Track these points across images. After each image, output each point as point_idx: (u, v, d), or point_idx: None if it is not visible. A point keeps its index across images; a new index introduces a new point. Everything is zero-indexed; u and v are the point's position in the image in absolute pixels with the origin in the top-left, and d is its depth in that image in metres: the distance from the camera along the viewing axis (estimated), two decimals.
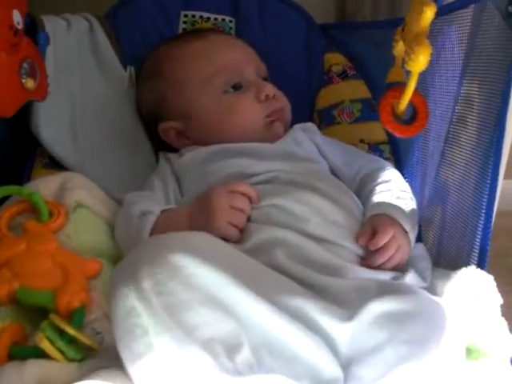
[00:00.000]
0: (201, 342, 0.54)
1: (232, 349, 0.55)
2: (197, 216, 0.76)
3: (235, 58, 0.93)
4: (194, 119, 0.90)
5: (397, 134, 0.77)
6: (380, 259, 0.73)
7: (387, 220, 0.76)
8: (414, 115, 0.75)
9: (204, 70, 0.91)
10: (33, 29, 0.93)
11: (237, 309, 0.58)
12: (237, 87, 0.90)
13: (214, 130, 0.89)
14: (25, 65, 0.80)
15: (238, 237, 0.75)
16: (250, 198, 0.77)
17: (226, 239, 0.73)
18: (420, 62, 0.65)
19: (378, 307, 0.59)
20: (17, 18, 0.77)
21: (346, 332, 0.60)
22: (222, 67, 0.91)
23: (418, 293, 0.63)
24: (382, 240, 0.73)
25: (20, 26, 0.78)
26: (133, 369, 0.54)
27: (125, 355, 0.55)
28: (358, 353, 0.58)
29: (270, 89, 0.90)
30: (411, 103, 0.74)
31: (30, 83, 0.81)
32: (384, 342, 0.57)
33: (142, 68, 0.99)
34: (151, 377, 0.53)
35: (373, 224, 0.76)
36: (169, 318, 0.54)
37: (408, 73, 0.70)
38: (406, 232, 0.77)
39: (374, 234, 0.74)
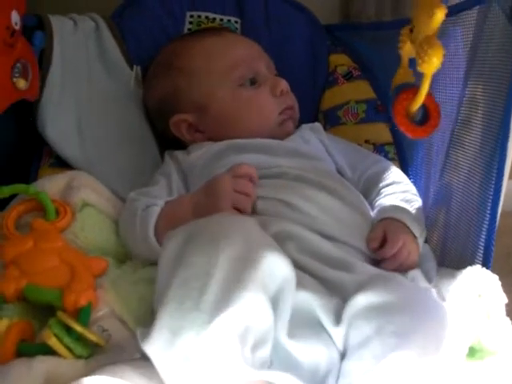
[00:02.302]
0: (240, 322, 0.53)
1: (259, 342, 0.55)
2: (201, 202, 0.77)
3: (250, 53, 0.95)
4: (208, 111, 0.91)
5: (413, 136, 0.77)
6: (390, 266, 0.74)
7: (398, 227, 0.77)
8: (425, 115, 0.76)
9: (221, 62, 0.92)
10: (40, 28, 0.94)
11: (276, 307, 0.58)
12: (253, 82, 0.91)
13: (227, 122, 0.90)
14: (18, 65, 0.81)
15: None
16: (252, 179, 0.77)
17: None
18: (433, 63, 0.66)
19: (364, 299, 0.60)
20: (15, 18, 0.78)
21: (340, 331, 0.60)
22: (239, 61, 0.92)
23: (405, 284, 0.64)
24: (392, 250, 0.74)
25: (17, 27, 0.78)
26: (172, 343, 0.52)
27: (165, 324, 0.53)
28: (349, 347, 0.59)
29: (284, 84, 0.92)
30: (422, 103, 0.74)
31: (21, 83, 0.82)
32: (372, 335, 0.57)
33: (154, 61, 0.99)
34: (184, 354, 0.52)
35: (384, 228, 0.76)
36: (226, 293, 0.54)
37: (417, 73, 0.71)
38: (416, 237, 0.78)
39: (384, 239, 0.75)
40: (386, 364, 0.55)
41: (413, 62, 0.78)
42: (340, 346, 0.60)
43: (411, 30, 0.72)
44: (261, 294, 0.56)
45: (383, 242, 0.75)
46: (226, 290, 0.54)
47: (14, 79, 0.80)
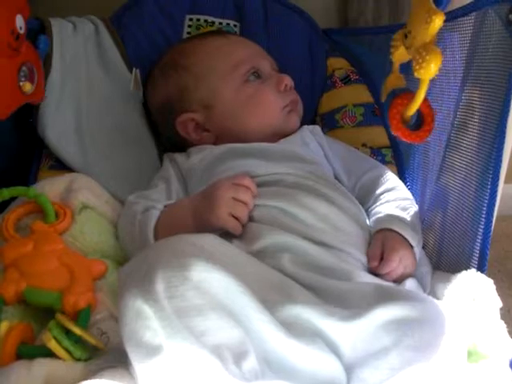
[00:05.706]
0: (209, 347, 0.53)
1: (239, 356, 0.54)
2: (200, 207, 0.77)
3: (254, 52, 0.96)
4: (215, 109, 0.92)
5: (407, 141, 0.77)
6: (387, 279, 0.75)
7: (395, 241, 0.77)
8: (419, 119, 0.76)
9: (226, 61, 0.93)
10: (41, 31, 0.94)
11: (242, 317, 0.58)
12: (257, 76, 0.93)
13: (234, 119, 0.91)
14: (24, 68, 0.81)
15: (240, 231, 0.75)
16: (252, 192, 0.78)
17: (228, 235, 0.74)
18: (431, 69, 0.66)
19: (385, 313, 0.59)
20: (20, 22, 0.78)
21: (348, 334, 0.60)
22: (243, 59, 0.93)
23: (425, 299, 0.64)
24: (388, 269, 0.75)
25: (22, 31, 0.79)
26: (141, 370, 0.53)
27: (133, 356, 0.54)
28: (363, 356, 0.59)
29: (288, 79, 0.94)
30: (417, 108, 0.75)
31: (27, 87, 0.82)
32: (389, 347, 0.57)
33: (158, 62, 0.99)
34: (159, 378, 0.53)
35: (382, 242, 0.77)
36: (178, 322, 0.53)
37: (411, 78, 0.71)
38: (413, 246, 0.78)
39: (382, 253, 0.76)
40: (403, 376, 0.55)
41: (405, 67, 0.78)
42: (347, 348, 0.60)
43: (406, 36, 0.72)
44: (210, 311, 0.55)
45: (381, 257, 0.76)
46: (177, 313, 0.54)
47: (21, 83, 0.80)
